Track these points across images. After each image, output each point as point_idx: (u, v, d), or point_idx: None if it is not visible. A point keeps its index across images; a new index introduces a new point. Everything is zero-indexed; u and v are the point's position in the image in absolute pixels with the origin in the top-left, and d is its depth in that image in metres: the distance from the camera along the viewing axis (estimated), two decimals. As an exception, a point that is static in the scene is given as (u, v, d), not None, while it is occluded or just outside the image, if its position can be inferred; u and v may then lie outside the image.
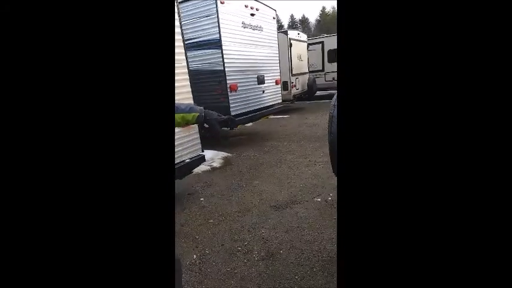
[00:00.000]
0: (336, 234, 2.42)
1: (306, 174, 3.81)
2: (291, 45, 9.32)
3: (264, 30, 6.27)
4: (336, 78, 11.64)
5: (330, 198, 3.05)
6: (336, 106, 1.84)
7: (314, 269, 2.03)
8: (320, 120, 7.43)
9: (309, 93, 11.13)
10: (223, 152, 5.28)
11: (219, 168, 4.58)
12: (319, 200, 3.05)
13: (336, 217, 2.67)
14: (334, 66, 11.58)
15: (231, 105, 5.20)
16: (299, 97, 10.41)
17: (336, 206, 2.88)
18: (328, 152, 4.71)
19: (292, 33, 9.74)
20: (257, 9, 5.97)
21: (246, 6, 5.66)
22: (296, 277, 1.98)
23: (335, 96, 1.92)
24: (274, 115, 7.63)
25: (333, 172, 2.10)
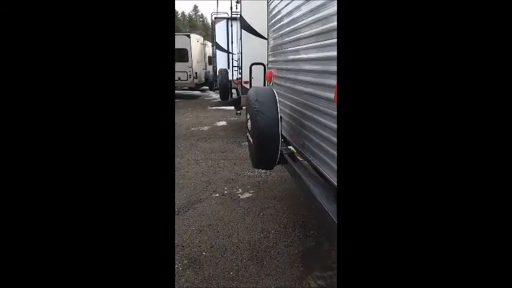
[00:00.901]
0: (248, 224, 2.56)
1: (191, 173, 3.70)
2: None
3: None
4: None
5: (226, 192, 3.15)
6: (258, 101, 1.95)
7: (243, 260, 2.08)
8: (177, 119, 7.29)
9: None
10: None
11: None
12: (217, 195, 3.07)
13: (239, 207, 2.81)
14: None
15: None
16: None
17: (235, 198, 3.02)
18: (203, 149, 4.73)
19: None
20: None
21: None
22: (231, 273, 1.96)
23: (254, 92, 2.03)
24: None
25: (252, 166, 2.21)
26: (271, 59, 2.88)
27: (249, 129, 2.16)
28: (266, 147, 1.95)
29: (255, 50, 4.62)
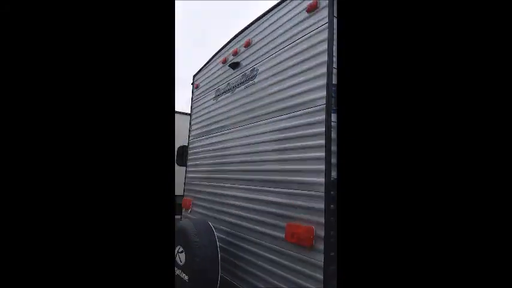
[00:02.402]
0: None
1: None
2: None
3: None
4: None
5: None
6: (198, 235, 1.99)
7: None
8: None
9: None
10: None
11: None
12: None
13: None
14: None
15: None
16: None
17: None
18: None
19: None
20: None
21: None
22: None
23: (191, 224, 2.07)
24: None
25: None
26: (190, 187, 3.04)
27: (181, 263, 2.05)
28: (207, 287, 1.88)
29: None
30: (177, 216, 3.95)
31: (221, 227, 2.32)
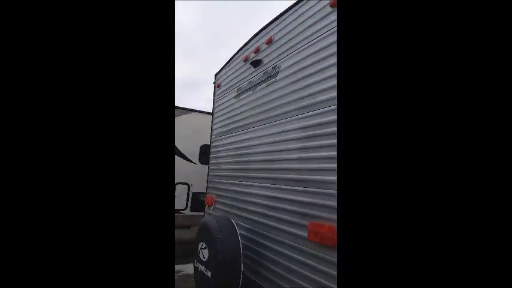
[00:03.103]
0: None
1: None
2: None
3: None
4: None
5: None
6: (221, 231, 2.02)
7: None
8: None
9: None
10: None
11: None
12: None
13: None
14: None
15: None
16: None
17: None
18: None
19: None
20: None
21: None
22: None
23: (214, 221, 2.10)
24: None
25: None
26: (212, 185, 3.08)
27: (204, 259, 2.09)
28: (229, 283, 1.90)
29: (177, 171, 4.82)
30: (199, 213, 4.03)
31: (243, 224, 2.33)
